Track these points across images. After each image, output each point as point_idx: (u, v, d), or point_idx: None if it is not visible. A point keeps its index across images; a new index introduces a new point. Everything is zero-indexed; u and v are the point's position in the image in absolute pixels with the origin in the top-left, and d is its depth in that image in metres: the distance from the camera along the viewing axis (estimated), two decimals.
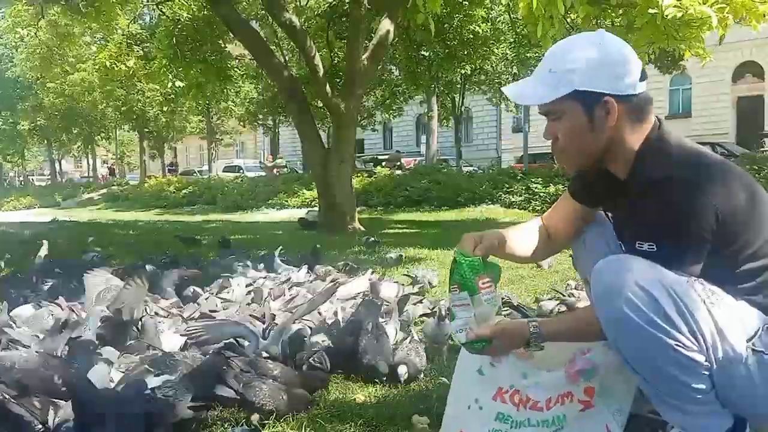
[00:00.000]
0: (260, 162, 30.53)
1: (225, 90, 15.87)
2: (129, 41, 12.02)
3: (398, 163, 20.99)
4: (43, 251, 4.54)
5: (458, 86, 20.29)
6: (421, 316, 2.97)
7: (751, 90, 24.56)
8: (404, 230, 9.08)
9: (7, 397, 1.62)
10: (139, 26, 13.62)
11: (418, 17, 5.01)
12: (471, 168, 19.76)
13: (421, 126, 29.76)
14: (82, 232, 9.85)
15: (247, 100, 24.81)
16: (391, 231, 8.84)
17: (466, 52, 14.44)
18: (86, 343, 2.22)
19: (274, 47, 13.64)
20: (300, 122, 9.11)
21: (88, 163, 39.24)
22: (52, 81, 21.41)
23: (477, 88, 21.46)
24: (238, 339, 2.34)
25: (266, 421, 1.81)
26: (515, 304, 2.96)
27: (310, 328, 2.56)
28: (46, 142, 32.55)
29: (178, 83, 10.35)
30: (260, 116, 27.20)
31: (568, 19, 5.72)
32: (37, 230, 9.79)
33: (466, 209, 12.95)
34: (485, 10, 13.62)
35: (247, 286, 3.46)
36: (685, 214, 1.29)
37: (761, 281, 1.34)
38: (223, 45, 10.98)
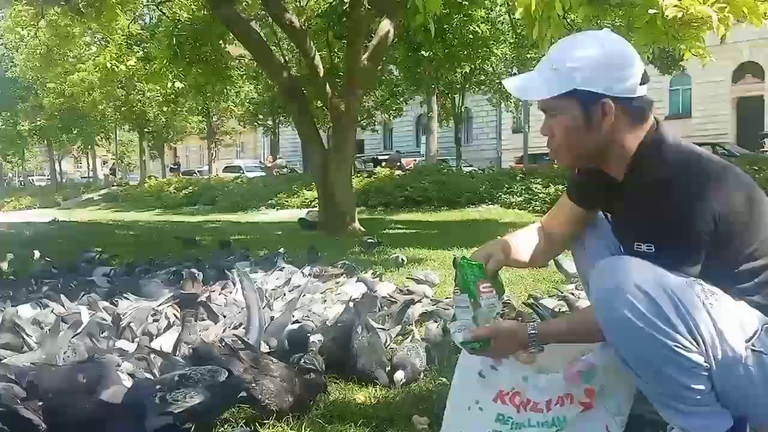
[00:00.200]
0: (260, 162, 30.55)
1: (225, 90, 15.90)
2: (129, 42, 12.01)
3: (399, 163, 20.99)
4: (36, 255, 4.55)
5: (458, 86, 20.28)
6: (421, 315, 2.97)
7: (751, 90, 24.56)
8: (404, 230, 9.08)
9: (17, 401, 1.62)
10: (139, 26, 13.59)
11: (417, 18, 5.00)
12: (471, 168, 19.76)
13: (421, 126, 29.76)
14: (82, 232, 9.86)
15: (247, 101, 24.80)
16: (391, 231, 8.84)
17: (466, 53, 14.43)
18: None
19: (274, 47, 13.64)
20: (300, 122, 9.11)
21: (88, 163, 39.24)
22: (52, 81, 21.39)
23: (477, 89, 21.46)
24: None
25: (266, 421, 1.81)
26: (526, 302, 2.94)
27: (312, 328, 2.56)
28: (46, 142, 32.52)
29: (178, 84, 10.36)
30: (260, 116, 27.20)
31: (568, 19, 5.71)
32: (37, 230, 9.80)
33: (466, 209, 12.96)
34: (485, 10, 13.62)
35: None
36: (683, 214, 1.29)
37: (760, 281, 1.35)
38: (223, 45, 10.98)
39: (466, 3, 11.15)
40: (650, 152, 1.38)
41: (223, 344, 2.10)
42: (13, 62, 22.97)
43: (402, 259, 4.80)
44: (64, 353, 2.18)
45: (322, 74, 8.78)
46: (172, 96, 19.39)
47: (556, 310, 2.86)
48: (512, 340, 1.43)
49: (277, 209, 16.00)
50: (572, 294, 3.09)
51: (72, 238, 8.15)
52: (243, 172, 25.20)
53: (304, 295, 3.15)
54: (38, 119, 28.00)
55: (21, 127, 29.19)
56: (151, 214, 18.15)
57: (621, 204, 1.46)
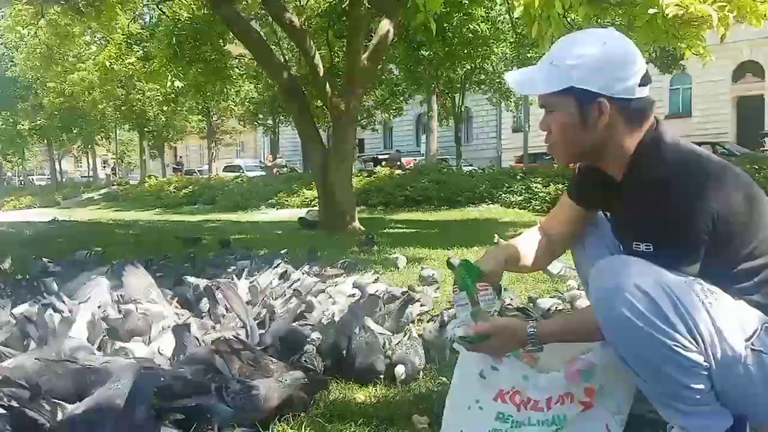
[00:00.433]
0: (260, 162, 30.56)
1: (225, 90, 15.90)
2: (129, 41, 12.02)
3: (399, 163, 21.00)
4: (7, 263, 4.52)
5: (458, 85, 20.29)
6: (420, 314, 2.97)
7: (751, 89, 24.57)
8: (404, 230, 9.09)
9: (19, 403, 1.62)
10: (139, 26, 13.60)
11: (418, 16, 5.00)
12: (471, 167, 19.77)
13: (421, 125, 29.77)
14: (82, 231, 9.86)
15: (247, 100, 24.82)
16: (391, 231, 8.84)
17: (465, 51, 14.44)
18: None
19: (274, 47, 13.64)
20: (300, 122, 9.12)
21: (88, 162, 39.25)
22: (52, 80, 21.39)
23: (477, 88, 21.46)
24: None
25: (266, 421, 1.81)
26: (518, 306, 2.94)
27: (311, 326, 2.56)
28: (46, 141, 32.54)
29: (177, 83, 10.36)
30: (260, 116, 27.22)
31: (568, 18, 5.71)
32: (37, 230, 9.80)
33: (466, 209, 12.96)
34: (485, 9, 13.62)
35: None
36: (682, 214, 1.29)
37: (759, 280, 1.34)
38: (223, 45, 10.99)
39: (466, 2, 11.16)
40: (649, 152, 1.38)
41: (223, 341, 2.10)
42: (13, 61, 22.97)
43: (402, 259, 4.79)
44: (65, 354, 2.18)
45: (322, 73, 8.78)
46: (172, 95, 19.42)
47: (552, 309, 2.86)
48: (512, 337, 1.44)
49: (277, 208, 16.01)
50: (572, 294, 3.09)
51: (72, 238, 8.14)
52: (243, 172, 25.21)
53: (304, 295, 3.14)
54: (38, 118, 28.03)
55: (21, 126, 29.23)
56: (151, 214, 18.16)
57: (620, 203, 1.46)
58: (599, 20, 6.13)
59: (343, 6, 9.88)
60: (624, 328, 1.27)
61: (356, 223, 8.63)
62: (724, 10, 4.25)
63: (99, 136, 32.37)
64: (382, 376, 2.11)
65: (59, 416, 1.63)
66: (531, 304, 3.01)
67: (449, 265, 1.61)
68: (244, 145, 40.58)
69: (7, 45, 23.40)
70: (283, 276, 3.70)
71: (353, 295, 3.26)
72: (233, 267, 4.08)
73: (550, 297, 3.18)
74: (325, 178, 8.60)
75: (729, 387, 1.29)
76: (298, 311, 2.78)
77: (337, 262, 4.40)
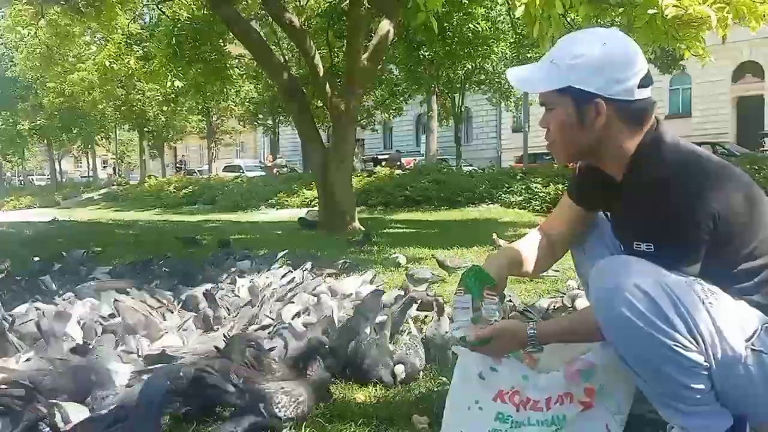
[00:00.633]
0: (260, 162, 30.55)
1: (225, 90, 15.91)
2: (129, 41, 12.02)
3: (399, 163, 20.99)
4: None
5: (458, 86, 20.28)
6: (419, 313, 2.96)
7: (751, 89, 24.58)
8: (404, 230, 9.08)
9: (19, 404, 1.63)
10: (139, 26, 13.60)
11: (419, 16, 5.00)
12: (471, 167, 19.76)
13: (421, 125, 29.76)
14: (82, 231, 9.85)
15: (247, 100, 24.82)
16: (391, 231, 8.84)
17: (466, 51, 14.43)
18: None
19: (274, 47, 13.65)
20: (300, 122, 9.12)
21: (88, 162, 39.23)
22: (52, 80, 21.39)
23: (477, 88, 21.45)
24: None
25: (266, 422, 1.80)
26: (520, 309, 2.94)
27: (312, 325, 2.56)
28: (45, 141, 32.54)
29: (177, 83, 10.36)
30: (260, 116, 27.21)
31: (568, 18, 5.71)
32: (37, 230, 9.79)
33: (466, 209, 12.95)
34: (485, 8, 13.62)
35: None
36: (682, 214, 1.29)
37: (760, 280, 1.35)
38: (222, 45, 10.99)
39: (467, 1, 11.15)
40: (649, 152, 1.38)
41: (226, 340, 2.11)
42: (12, 61, 22.95)
43: (401, 260, 4.79)
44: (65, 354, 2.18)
45: (322, 74, 8.78)
46: (172, 95, 19.42)
47: (551, 308, 2.86)
48: (512, 339, 1.44)
49: (277, 209, 16.00)
50: (573, 293, 3.08)
51: (72, 238, 8.14)
52: (243, 172, 25.21)
53: (304, 294, 3.14)
54: (38, 119, 28.03)
55: (21, 126, 29.22)
56: (151, 214, 18.15)
57: (620, 204, 1.46)
58: (599, 20, 6.12)
59: (343, 6, 9.88)
60: (624, 328, 1.27)
61: (356, 223, 8.63)
62: (723, 11, 4.25)
63: (99, 136, 32.36)
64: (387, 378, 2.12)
65: (58, 416, 1.63)
66: (529, 308, 3.00)
67: (464, 276, 1.57)
68: (244, 145, 40.56)
69: (7, 45, 23.37)
70: (284, 276, 3.70)
71: (353, 295, 3.25)
72: (233, 268, 4.08)
73: (550, 297, 3.18)
74: (325, 178, 8.60)
75: (729, 387, 1.29)
76: (301, 312, 2.78)
77: (337, 261, 4.40)
